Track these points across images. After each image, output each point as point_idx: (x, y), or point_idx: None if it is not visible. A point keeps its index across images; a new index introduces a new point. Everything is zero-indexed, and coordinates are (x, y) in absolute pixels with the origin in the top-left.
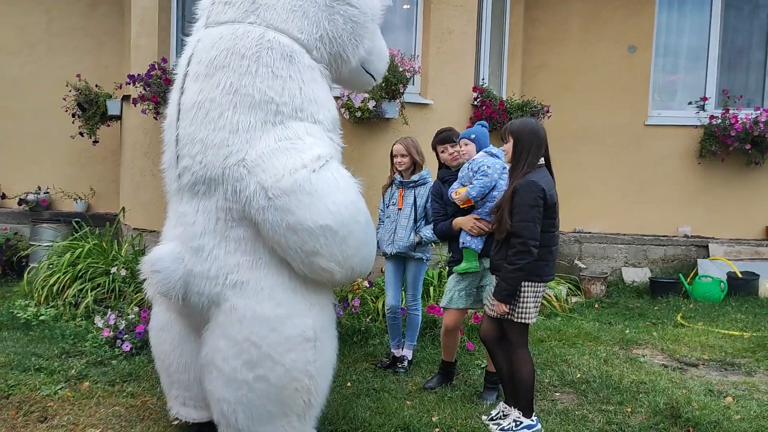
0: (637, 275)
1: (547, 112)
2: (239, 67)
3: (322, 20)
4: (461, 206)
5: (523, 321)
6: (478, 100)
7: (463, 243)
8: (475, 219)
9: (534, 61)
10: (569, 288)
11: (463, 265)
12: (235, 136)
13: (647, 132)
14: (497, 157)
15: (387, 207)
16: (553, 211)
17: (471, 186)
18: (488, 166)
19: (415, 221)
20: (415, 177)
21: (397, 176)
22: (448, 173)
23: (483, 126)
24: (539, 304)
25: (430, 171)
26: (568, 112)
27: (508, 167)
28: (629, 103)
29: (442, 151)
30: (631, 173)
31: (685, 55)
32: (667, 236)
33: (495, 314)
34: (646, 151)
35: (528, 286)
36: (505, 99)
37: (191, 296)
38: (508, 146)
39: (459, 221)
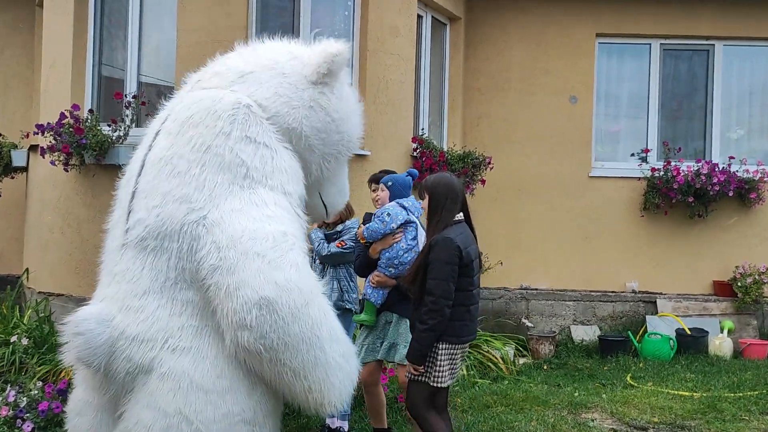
0: (586, 333)
1: (489, 163)
2: (213, 126)
3: (300, 116)
4: (361, 242)
5: (436, 384)
6: (417, 150)
7: (363, 294)
8: (376, 272)
9: (475, 112)
10: (516, 348)
11: (360, 316)
12: (199, 194)
13: (591, 184)
14: (408, 210)
15: (313, 261)
16: (471, 269)
17: (366, 226)
18: (389, 213)
19: (329, 269)
20: (338, 227)
21: (321, 230)
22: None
23: (409, 175)
24: (457, 367)
25: (357, 220)
26: (510, 164)
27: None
28: (572, 154)
29: (373, 190)
30: (575, 226)
31: (626, 104)
32: (615, 292)
33: (409, 375)
34: (590, 204)
35: (443, 348)
36: (445, 150)
37: (116, 362)
38: (425, 202)
39: (375, 246)
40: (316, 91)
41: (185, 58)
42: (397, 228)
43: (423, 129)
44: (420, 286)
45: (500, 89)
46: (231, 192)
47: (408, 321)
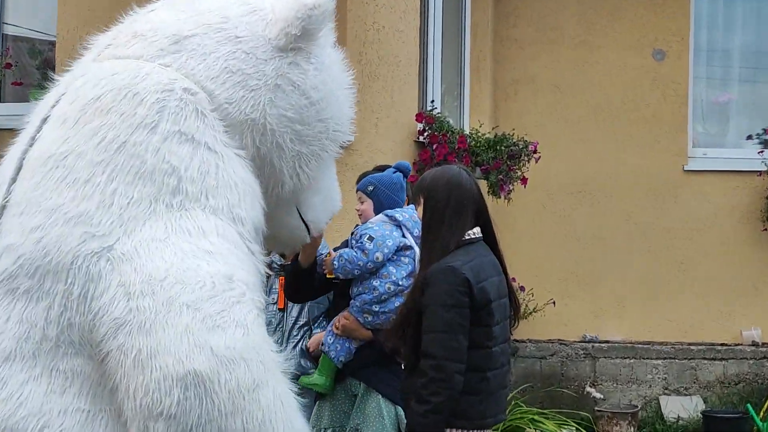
0: (683, 407)
1: (534, 152)
2: (132, 115)
3: (263, 101)
4: (327, 276)
5: None
6: (425, 134)
7: (323, 344)
8: (344, 314)
9: (510, 75)
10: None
11: (311, 378)
12: (104, 213)
13: (687, 182)
14: (402, 227)
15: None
16: (489, 314)
17: (339, 253)
18: (370, 237)
19: (309, 327)
20: None
21: (275, 257)
22: None
23: (397, 171)
24: None
25: (327, 243)
26: (564, 153)
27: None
28: (658, 138)
29: (359, 200)
30: (665, 247)
31: (738, 62)
32: (726, 345)
33: None
34: (686, 213)
35: None
36: (467, 132)
37: None
38: (419, 211)
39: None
40: (285, 62)
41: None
42: (390, 256)
43: (433, 102)
44: (412, 343)
45: (549, 41)
46: (153, 213)
47: (380, 398)
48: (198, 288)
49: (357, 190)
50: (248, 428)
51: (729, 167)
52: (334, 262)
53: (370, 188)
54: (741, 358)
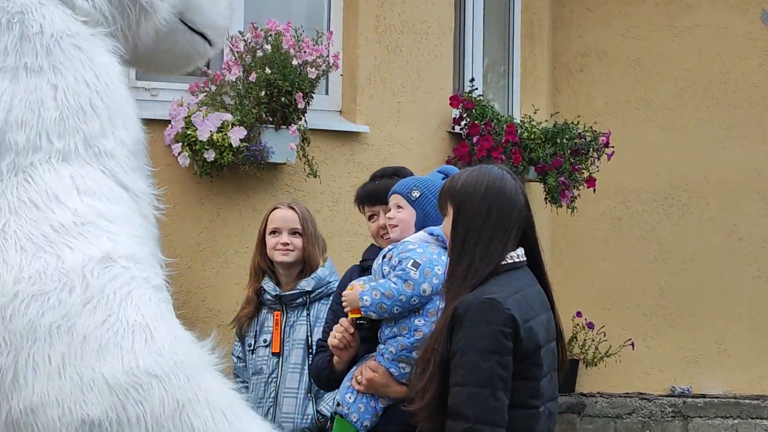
0: None
1: (606, 145)
2: None
3: None
4: (349, 316)
5: None
6: (463, 122)
7: (338, 403)
8: (371, 363)
9: (575, 46)
10: None
11: None
12: None
13: None
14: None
15: (252, 352)
16: (537, 363)
17: (372, 286)
18: (417, 262)
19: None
20: (305, 284)
21: (268, 285)
22: (377, 254)
23: (446, 175)
24: None
25: (335, 267)
26: (646, 148)
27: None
28: (767, 129)
29: (371, 217)
30: None
31: None
32: None
33: None
34: None
35: None
36: (518, 121)
37: None
38: (446, 223)
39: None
40: None
41: None
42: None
43: (473, 81)
44: (438, 396)
45: (626, 1)
46: None
47: None
48: (64, 294)
49: (393, 194)
50: None
51: None
52: (365, 298)
53: (416, 194)
54: None
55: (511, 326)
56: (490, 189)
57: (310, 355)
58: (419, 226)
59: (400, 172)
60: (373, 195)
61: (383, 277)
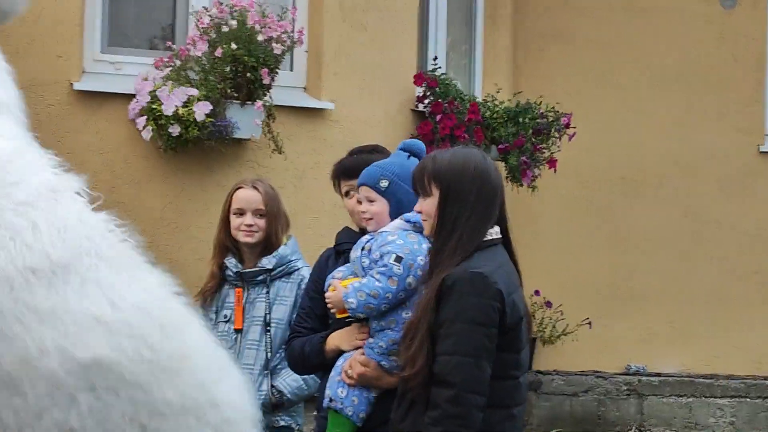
0: None
1: (567, 126)
2: None
3: None
4: (336, 316)
5: None
6: (426, 100)
7: (329, 398)
8: (361, 358)
9: (536, 27)
10: None
11: None
12: None
13: (765, 167)
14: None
15: (213, 327)
16: (517, 335)
17: (357, 286)
18: (399, 256)
19: (271, 356)
20: (266, 262)
21: (230, 261)
22: (351, 239)
23: (413, 154)
24: None
25: (298, 247)
26: (606, 129)
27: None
28: (726, 112)
29: (347, 192)
30: (736, 253)
31: None
32: None
33: None
34: (762, 207)
35: None
36: (480, 99)
37: None
38: (429, 204)
39: (337, 339)
40: None
41: None
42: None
43: (436, 59)
44: (429, 365)
45: None
46: None
47: None
48: None
49: (361, 185)
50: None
51: None
52: (350, 300)
53: (384, 184)
54: None
55: (498, 299)
56: (477, 170)
57: (267, 333)
58: (394, 214)
59: (378, 149)
60: (351, 169)
61: (363, 269)
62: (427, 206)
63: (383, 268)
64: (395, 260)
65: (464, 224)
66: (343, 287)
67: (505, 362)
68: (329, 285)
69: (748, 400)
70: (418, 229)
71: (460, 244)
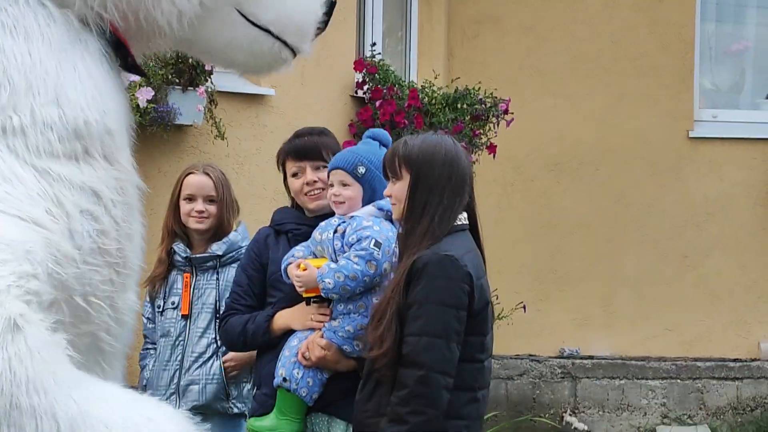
0: None
1: (506, 112)
2: None
3: None
4: (303, 295)
5: None
6: (366, 86)
7: (282, 378)
8: (321, 342)
9: (471, 12)
10: None
11: (265, 423)
12: None
13: (693, 153)
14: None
15: (161, 314)
16: (484, 319)
17: (335, 267)
18: (378, 241)
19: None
20: (216, 247)
21: (179, 246)
22: (294, 219)
23: (378, 141)
24: None
25: (248, 232)
26: (540, 115)
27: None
28: (656, 98)
29: (295, 174)
30: (665, 238)
31: (757, 1)
32: (741, 361)
33: None
34: (691, 192)
35: None
36: (419, 86)
37: None
38: (399, 188)
39: (287, 318)
40: None
41: None
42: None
43: (374, 45)
44: (397, 346)
45: None
46: None
47: (344, 425)
48: None
49: (335, 169)
50: None
51: (745, 134)
52: (326, 280)
53: (362, 170)
54: (759, 378)
55: (468, 282)
56: (448, 156)
57: (217, 320)
58: (367, 201)
59: (325, 132)
60: (301, 151)
61: (334, 251)
62: (397, 190)
63: (362, 252)
64: (374, 245)
65: (434, 209)
66: (316, 266)
67: (471, 345)
68: (297, 264)
69: (678, 381)
70: (388, 217)
71: (429, 229)
